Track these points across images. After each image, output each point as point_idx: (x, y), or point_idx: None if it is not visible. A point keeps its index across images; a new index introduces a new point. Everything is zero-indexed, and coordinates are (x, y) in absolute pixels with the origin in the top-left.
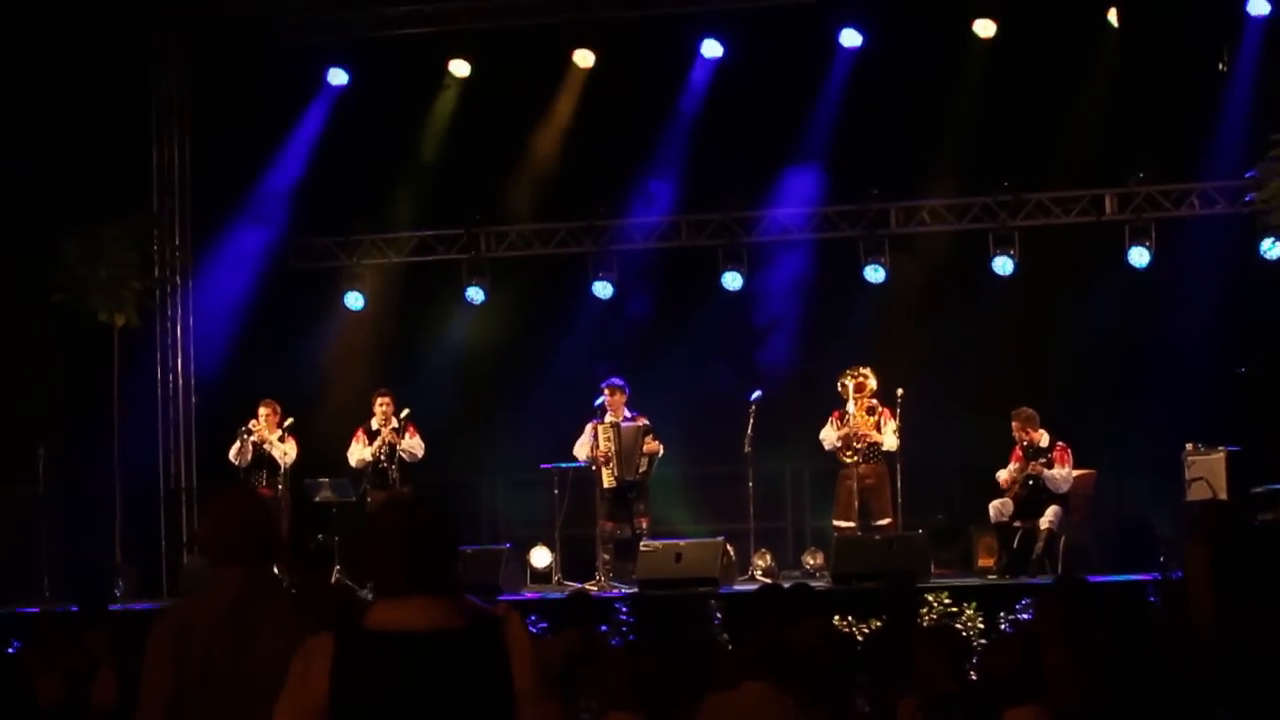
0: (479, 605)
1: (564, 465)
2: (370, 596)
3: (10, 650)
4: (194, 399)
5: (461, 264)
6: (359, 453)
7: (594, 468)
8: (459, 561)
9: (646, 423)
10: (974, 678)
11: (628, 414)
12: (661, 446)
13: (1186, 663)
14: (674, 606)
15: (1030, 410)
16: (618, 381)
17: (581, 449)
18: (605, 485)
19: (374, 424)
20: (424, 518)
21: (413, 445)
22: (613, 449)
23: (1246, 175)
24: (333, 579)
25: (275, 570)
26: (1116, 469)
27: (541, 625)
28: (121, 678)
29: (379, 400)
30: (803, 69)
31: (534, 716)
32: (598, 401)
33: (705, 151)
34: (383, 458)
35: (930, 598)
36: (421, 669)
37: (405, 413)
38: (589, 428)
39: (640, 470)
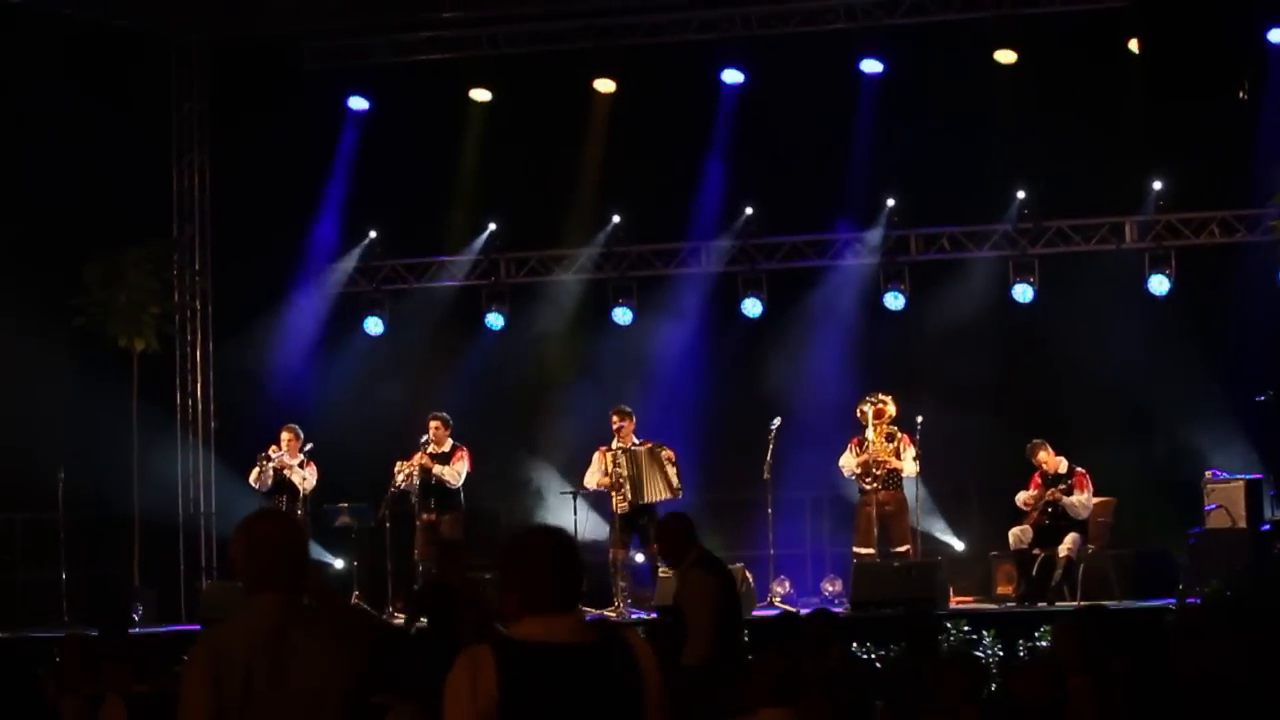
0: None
1: (580, 490)
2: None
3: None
4: (213, 424)
5: (481, 290)
6: (398, 477)
7: (611, 493)
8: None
9: (670, 452)
10: (993, 705)
11: (635, 440)
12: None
13: (1206, 688)
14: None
15: (1044, 442)
16: (625, 408)
17: (590, 478)
18: (617, 511)
19: (430, 448)
20: (568, 540)
21: (447, 471)
22: (624, 474)
23: (1267, 205)
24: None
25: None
26: (1136, 496)
27: None
28: (131, 704)
29: (430, 424)
30: (823, 96)
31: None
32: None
33: (725, 178)
34: (409, 481)
35: (949, 625)
36: (580, 677)
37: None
38: (596, 455)
39: (658, 495)
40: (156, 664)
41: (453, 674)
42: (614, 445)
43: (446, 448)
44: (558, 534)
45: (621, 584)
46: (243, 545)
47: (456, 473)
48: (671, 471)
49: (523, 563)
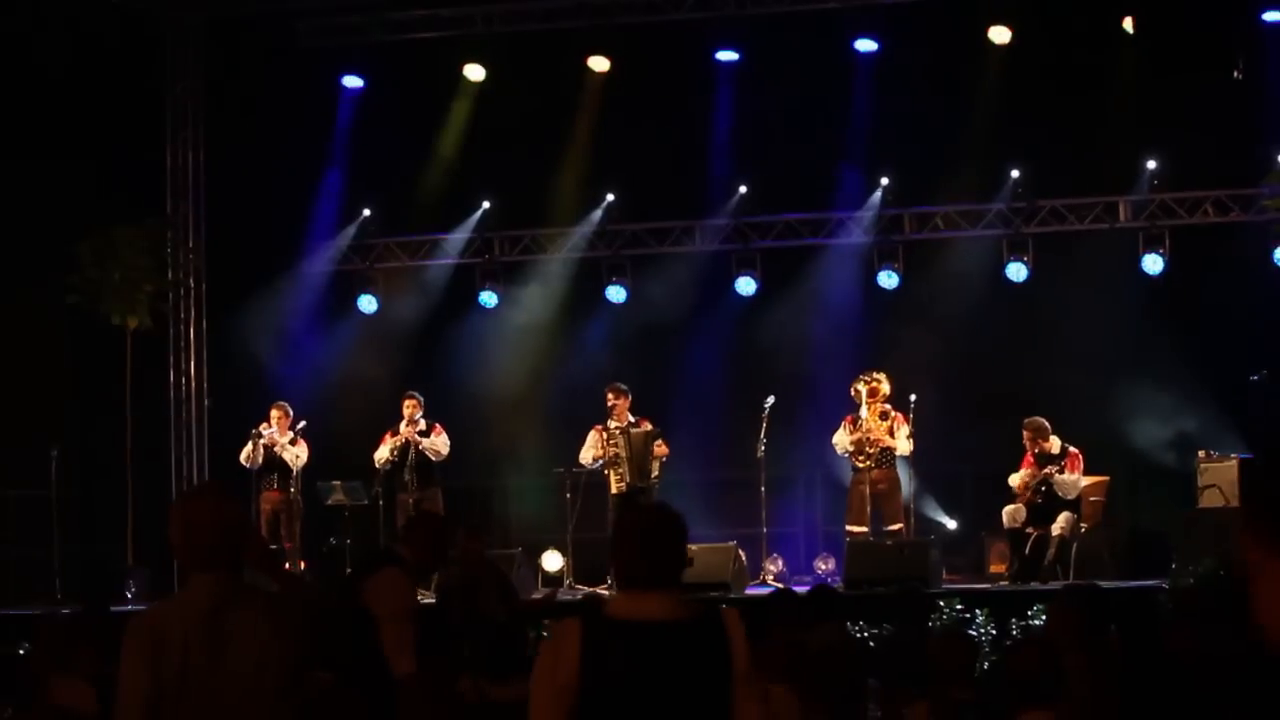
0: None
1: (575, 469)
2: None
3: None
4: (206, 401)
5: (475, 268)
6: (381, 453)
7: (605, 472)
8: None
9: (653, 427)
10: (986, 682)
11: (631, 419)
12: (667, 450)
13: (1198, 667)
14: None
15: (1041, 420)
16: (621, 386)
17: (586, 454)
18: (613, 491)
19: (401, 426)
20: (664, 518)
21: (435, 443)
22: (622, 454)
23: (1261, 184)
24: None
25: (256, 574)
26: (1130, 476)
27: None
28: (101, 685)
29: (405, 402)
30: (817, 75)
31: (748, 697)
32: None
33: (719, 157)
34: (394, 457)
35: (942, 603)
36: (663, 655)
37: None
38: (592, 433)
39: (653, 476)
40: None
41: (541, 647)
42: (610, 424)
43: (422, 426)
44: (654, 512)
45: None
46: (179, 525)
47: (444, 442)
48: (655, 465)
49: (620, 540)
